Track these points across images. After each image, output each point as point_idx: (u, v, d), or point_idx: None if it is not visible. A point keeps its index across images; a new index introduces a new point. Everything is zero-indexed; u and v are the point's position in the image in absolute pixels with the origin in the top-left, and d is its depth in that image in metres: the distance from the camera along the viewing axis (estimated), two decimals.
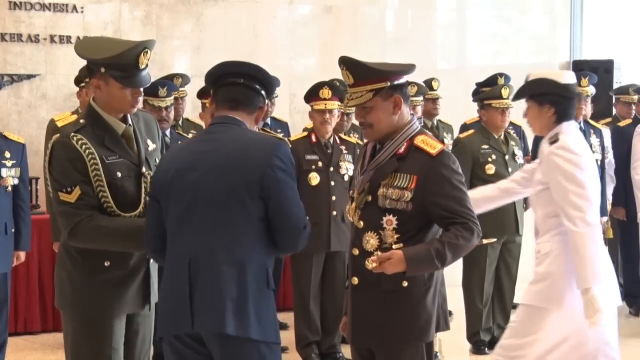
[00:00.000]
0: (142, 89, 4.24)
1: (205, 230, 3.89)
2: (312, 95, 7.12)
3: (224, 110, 4.04)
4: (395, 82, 4.13)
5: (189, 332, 3.89)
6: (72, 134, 4.15)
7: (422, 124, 8.74)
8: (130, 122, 4.31)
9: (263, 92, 4.08)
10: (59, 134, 4.21)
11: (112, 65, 4.13)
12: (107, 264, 4.23)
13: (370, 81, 4.10)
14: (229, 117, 4.02)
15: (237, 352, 3.87)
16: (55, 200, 4.18)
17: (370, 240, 4.13)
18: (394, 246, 4.06)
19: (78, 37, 9.06)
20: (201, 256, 3.87)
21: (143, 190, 4.26)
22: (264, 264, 3.92)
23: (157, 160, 4.36)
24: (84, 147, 4.13)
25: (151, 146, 4.40)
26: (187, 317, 3.87)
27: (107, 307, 4.24)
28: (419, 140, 4.14)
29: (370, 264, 3.98)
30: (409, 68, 4.20)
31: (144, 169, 4.28)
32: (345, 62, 4.15)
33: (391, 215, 4.10)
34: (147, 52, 4.17)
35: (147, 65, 4.21)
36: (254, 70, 4.07)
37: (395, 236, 4.09)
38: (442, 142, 8.79)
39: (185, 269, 3.89)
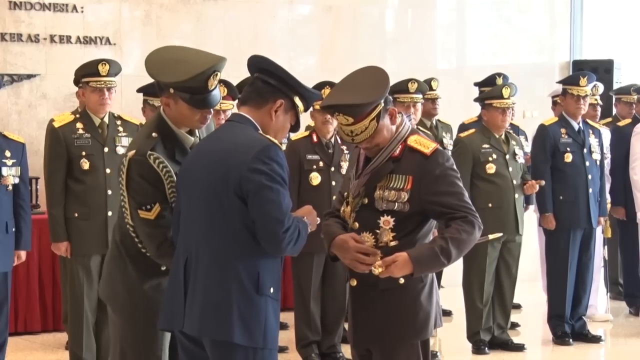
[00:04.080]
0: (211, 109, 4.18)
1: (197, 231, 3.89)
2: None
3: (239, 107, 4.06)
4: (385, 99, 4.12)
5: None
6: (149, 152, 4.07)
7: (414, 123, 8.71)
8: (197, 133, 4.28)
9: (280, 86, 4.00)
10: (134, 151, 4.10)
11: (181, 88, 4.09)
12: (163, 268, 4.21)
13: (368, 113, 4.07)
14: (237, 115, 4.04)
15: (224, 355, 3.84)
16: (136, 218, 4.11)
17: (367, 241, 4.11)
18: (390, 244, 4.07)
19: (78, 37, 9.07)
20: (193, 257, 3.88)
21: None
22: (254, 268, 3.82)
23: None
24: (161, 166, 4.07)
25: None
26: (181, 317, 3.88)
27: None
28: (412, 141, 4.14)
29: (377, 269, 3.96)
30: (387, 81, 4.13)
31: None
32: (340, 109, 4.09)
33: (389, 217, 4.10)
34: (216, 74, 4.12)
35: (216, 85, 4.15)
36: (265, 64, 4.02)
37: (392, 234, 4.09)
38: (442, 142, 8.86)
39: (182, 267, 3.91)
